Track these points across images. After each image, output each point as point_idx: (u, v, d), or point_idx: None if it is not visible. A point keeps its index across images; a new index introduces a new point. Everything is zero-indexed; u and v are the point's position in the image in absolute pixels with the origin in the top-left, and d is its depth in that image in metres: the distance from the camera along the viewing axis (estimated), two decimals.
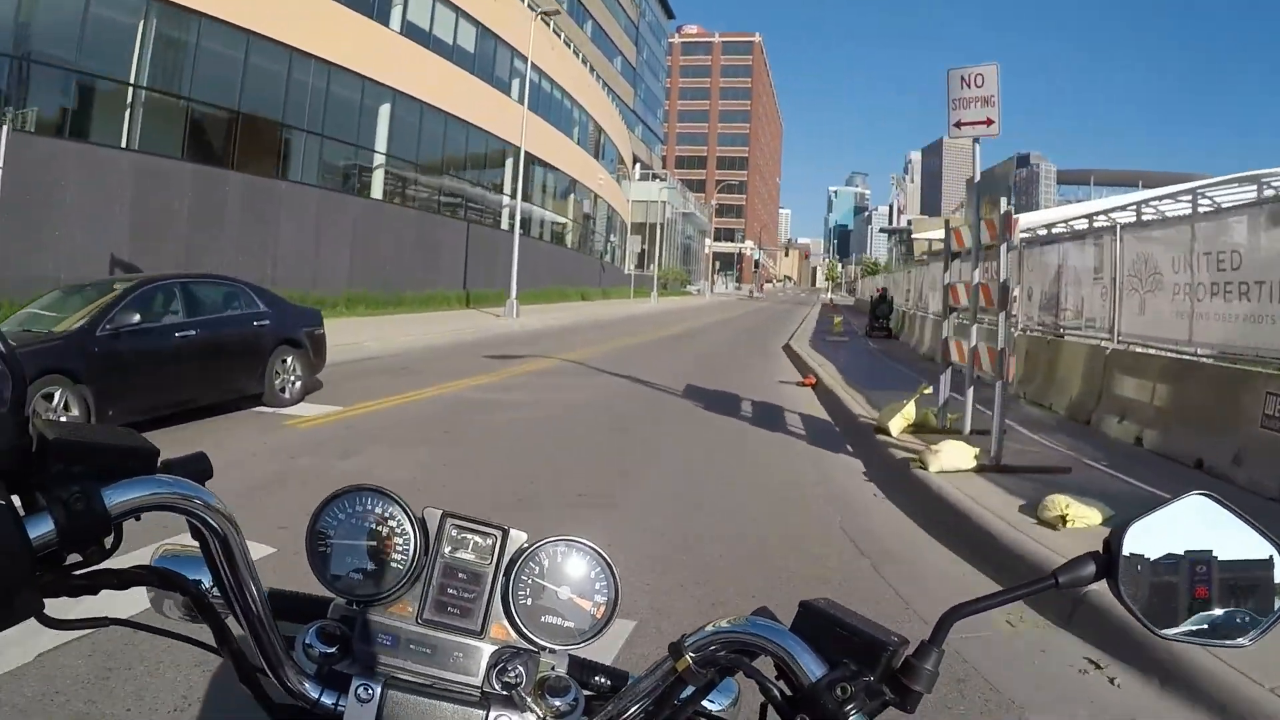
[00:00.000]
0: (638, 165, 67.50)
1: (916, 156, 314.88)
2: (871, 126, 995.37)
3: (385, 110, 24.71)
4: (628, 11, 62.88)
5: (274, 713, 0.75)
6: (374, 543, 0.82)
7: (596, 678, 0.86)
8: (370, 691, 0.73)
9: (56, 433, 0.62)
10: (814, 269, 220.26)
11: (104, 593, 0.65)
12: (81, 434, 0.64)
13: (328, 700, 0.74)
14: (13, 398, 0.60)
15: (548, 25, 35.61)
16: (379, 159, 24.86)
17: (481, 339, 17.26)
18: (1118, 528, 0.72)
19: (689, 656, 0.71)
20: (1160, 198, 13.22)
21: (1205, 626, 0.72)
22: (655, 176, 64.87)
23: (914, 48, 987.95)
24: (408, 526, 0.82)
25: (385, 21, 24.25)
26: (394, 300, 23.97)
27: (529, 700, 0.76)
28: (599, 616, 0.83)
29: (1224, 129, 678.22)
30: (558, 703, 0.76)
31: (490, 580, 0.83)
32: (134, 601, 0.76)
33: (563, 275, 37.88)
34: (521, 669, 0.77)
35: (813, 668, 0.67)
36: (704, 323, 28.77)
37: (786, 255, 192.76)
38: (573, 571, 0.83)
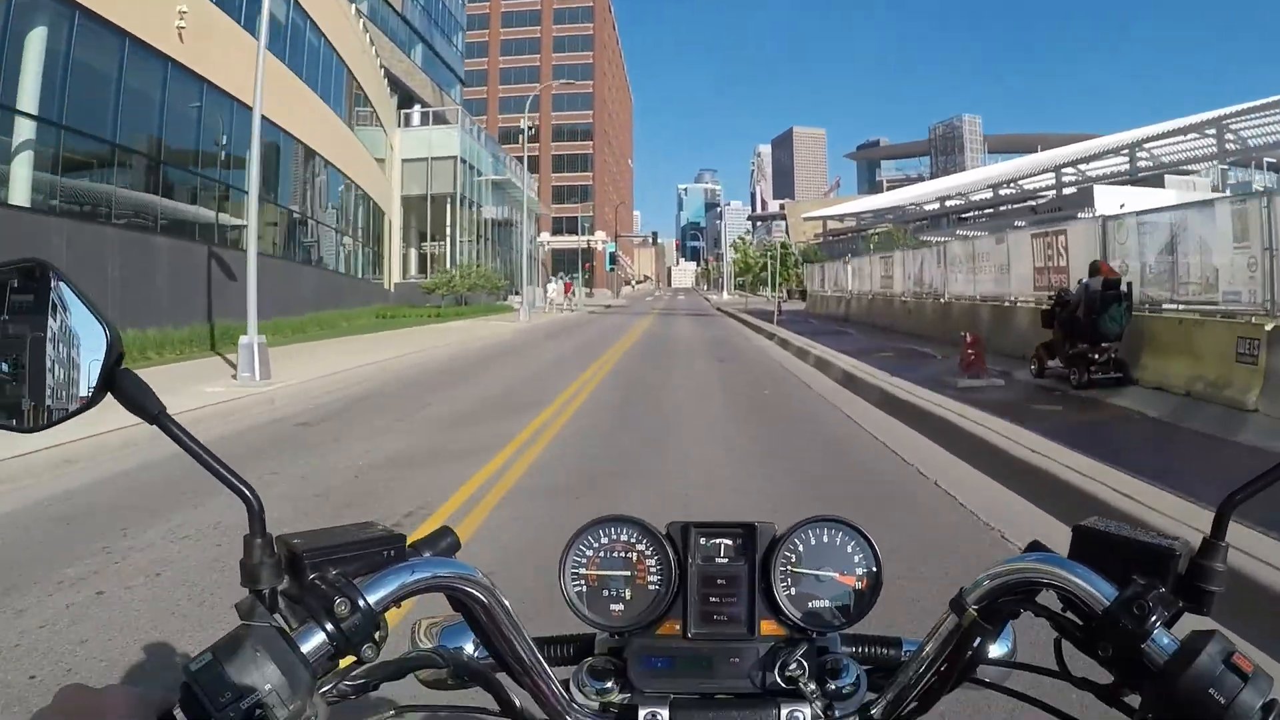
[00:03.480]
0: (417, 107, 42.04)
1: (766, 150, 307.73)
2: (717, 123, 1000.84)
3: None
4: None
5: None
6: (627, 571, 0.81)
7: (873, 649, 0.84)
8: (659, 718, 0.73)
9: (304, 544, 0.62)
10: (669, 269, 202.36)
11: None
12: (326, 539, 0.64)
13: None
14: (255, 522, 0.61)
15: None
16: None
17: None
18: None
19: (972, 610, 0.67)
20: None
21: None
22: (440, 120, 39.81)
23: (766, 37, 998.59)
24: (657, 546, 0.81)
25: None
26: None
27: (813, 688, 0.74)
28: (863, 589, 0.80)
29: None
30: (840, 684, 0.75)
31: (748, 579, 0.81)
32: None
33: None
34: (799, 660, 0.75)
35: (1104, 592, 0.63)
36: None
37: (656, 246, 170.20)
38: (827, 550, 0.81)
